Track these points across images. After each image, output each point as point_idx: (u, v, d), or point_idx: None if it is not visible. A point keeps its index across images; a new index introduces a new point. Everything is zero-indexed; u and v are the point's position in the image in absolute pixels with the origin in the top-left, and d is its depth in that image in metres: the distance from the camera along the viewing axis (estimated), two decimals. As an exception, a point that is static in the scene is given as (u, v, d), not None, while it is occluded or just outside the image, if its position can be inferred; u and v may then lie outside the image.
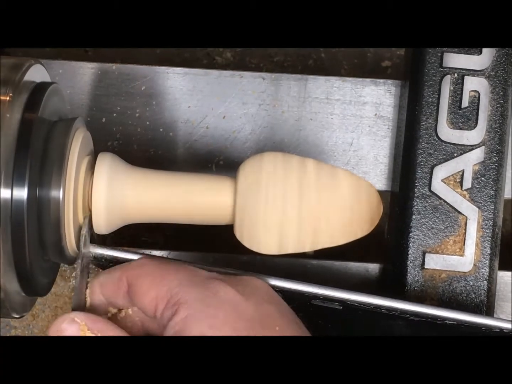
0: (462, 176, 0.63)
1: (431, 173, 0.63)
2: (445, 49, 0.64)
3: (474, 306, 0.63)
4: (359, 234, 0.55)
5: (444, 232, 0.63)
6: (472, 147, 0.64)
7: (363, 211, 0.54)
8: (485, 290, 0.63)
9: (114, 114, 0.68)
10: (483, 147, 0.64)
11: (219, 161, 0.68)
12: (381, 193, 0.57)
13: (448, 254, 0.63)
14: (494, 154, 0.64)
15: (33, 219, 0.49)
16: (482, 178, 0.64)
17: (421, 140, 0.63)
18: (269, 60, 0.81)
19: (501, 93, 0.64)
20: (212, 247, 0.72)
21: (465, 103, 0.64)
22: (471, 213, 0.63)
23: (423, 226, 0.63)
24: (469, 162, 0.64)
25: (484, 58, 0.64)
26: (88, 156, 0.54)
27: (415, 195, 0.63)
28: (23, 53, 0.71)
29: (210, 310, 0.48)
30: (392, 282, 0.64)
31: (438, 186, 0.63)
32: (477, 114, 0.64)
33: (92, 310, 0.52)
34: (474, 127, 0.64)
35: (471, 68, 0.64)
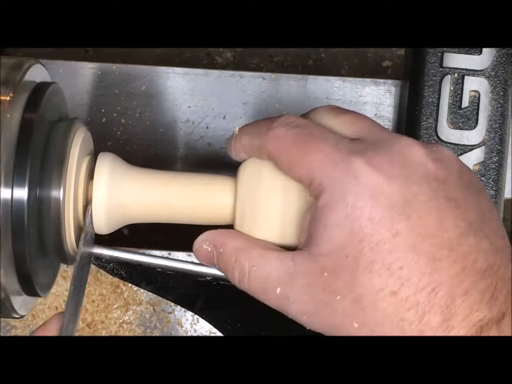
0: (462, 176, 0.63)
1: (431, 173, 0.63)
2: (445, 49, 0.64)
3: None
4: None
5: (444, 232, 0.63)
6: (472, 147, 0.64)
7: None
8: (485, 290, 0.63)
9: (114, 114, 0.68)
10: (483, 147, 0.64)
11: (219, 161, 0.68)
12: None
13: (448, 254, 0.63)
14: (494, 154, 0.64)
15: (34, 219, 0.49)
16: (482, 178, 0.64)
17: (421, 140, 0.63)
18: (269, 60, 0.82)
19: (501, 93, 0.64)
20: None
21: (465, 103, 0.64)
22: (471, 213, 0.63)
23: (423, 226, 0.63)
24: (469, 162, 0.63)
25: (484, 58, 0.64)
26: (88, 156, 0.54)
27: (415, 195, 0.63)
28: (23, 53, 0.71)
29: (349, 198, 0.45)
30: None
31: (438, 186, 0.63)
32: (477, 114, 0.64)
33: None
34: (474, 127, 0.64)
35: (471, 68, 0.64)
